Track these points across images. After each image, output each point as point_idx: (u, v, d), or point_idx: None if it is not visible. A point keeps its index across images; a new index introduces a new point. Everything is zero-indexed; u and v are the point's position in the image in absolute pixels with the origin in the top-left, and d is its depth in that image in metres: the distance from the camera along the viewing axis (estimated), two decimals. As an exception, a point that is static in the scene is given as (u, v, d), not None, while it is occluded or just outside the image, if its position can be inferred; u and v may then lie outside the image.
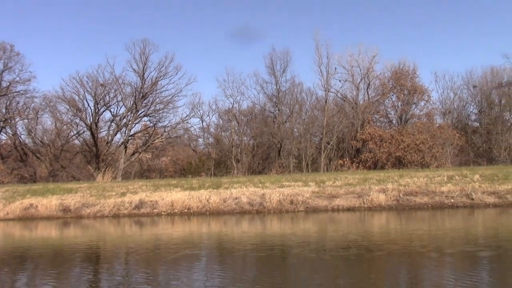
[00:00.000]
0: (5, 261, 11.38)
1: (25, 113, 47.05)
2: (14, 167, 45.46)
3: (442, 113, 48.60)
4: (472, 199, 21.90)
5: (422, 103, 45.03)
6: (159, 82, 46.26)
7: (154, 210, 23.16)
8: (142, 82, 45.76)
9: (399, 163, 38.79)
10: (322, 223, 18.46)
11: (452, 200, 22.08)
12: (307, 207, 22.64)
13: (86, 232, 18.93)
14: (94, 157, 44.81)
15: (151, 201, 23.62)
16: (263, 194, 23.54)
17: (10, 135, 47.74)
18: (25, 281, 8.70)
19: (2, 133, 47.89)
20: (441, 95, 50.29)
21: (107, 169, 37.78)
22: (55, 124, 47.94)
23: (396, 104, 45.21)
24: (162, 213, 22.93)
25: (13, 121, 46.86)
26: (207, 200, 23.19)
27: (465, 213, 19.72)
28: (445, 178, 24.41)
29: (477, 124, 49.36)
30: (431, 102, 45.70)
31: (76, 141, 49.91)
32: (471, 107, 49.94)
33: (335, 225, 17.55)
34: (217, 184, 25.55)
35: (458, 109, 49.94)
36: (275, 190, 23.94)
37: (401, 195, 22.77)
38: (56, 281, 8.51)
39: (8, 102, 46.77)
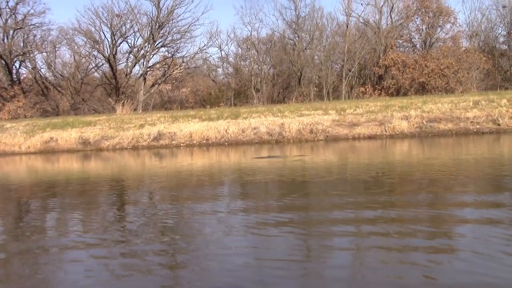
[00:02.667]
0: (32, 194, 11.44)
1: (43, 46, 46.78)
2: (36, 101, 45.76)
3: (469, 36, 46.54)
4: (499, 124, 21.26)
5: (448, 25, 43.18)
6: (175, 11, 45.22)
7: (173, 142, 23.15)
8: (158, 12, 44.75)
9: (423, 89, 37.81)
10: (342, 151, 18.17)
11: (478, 126, 21.47)
12: (327, 136, 22.33)
13: (107, 165, 19.02)
14: (114, 90, 44.79)
15: (169, 133, 23.60)
16: (282, 124, 23.24)
17: (30, 69, 47.84)
18: (54, 212, 8.72)
19: (22, 67, 48.06)
20: (468, 17, 48.30)
21: (126, 101, 37.74)
22: (74, 57, 47.71)
23: (420, 27, 43.44)
24: (181, 144, 22.91)
25: (31, 54, 46.71)
26: (226, 131, 23.05)
27: (490, 139, 19.15)
28: (471, 103, 23.64)
29: (505, 46, 47.17)
30: (458, 25, 43.77)
31: (96, 74, 49.92)
32: (500, 28, 47.59)
33: (355, 154, 17.25)
34: (236, 114, 25.28)
35: (485, 31, 47.65)
36: (294, 119, 23.60)
37: (424, 122, 22.23)
38: (85, 211, 8.50)
39: (25, 36, 46.50)
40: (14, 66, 46.02)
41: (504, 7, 45.97)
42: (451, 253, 4.89)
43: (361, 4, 43.72)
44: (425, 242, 5.29)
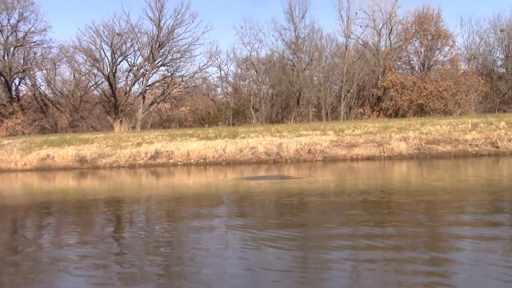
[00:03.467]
0: (27, 211, 11.27)
1: (43, 64, 46.90)
2: (35, 118, 45.68)
3: (467, 58, 46.82)
4: (498, 147, 21.16)
5: (446, 48, 43.38)
6: (176, 31, 45.48)
7: (170, 160, 22.99)
8: (158, 31, 45.00)
9: (421, 111, 37.84)
10: (341, 172, 18.04)
11: (476, 149, 21.38)
12: (325, 157, 22.21)
13: (104, 183, 18.85)
14: (113, 108, 44.78)
15: (166, 151, 23.46)
16: (280, 144, 23.13)
17: (30, 86, 47.87)
18: (50, 232, 8.55)
19: (21, 84, 48.10)
20: (466, 40, 48.34)
21: (124, 119, 37.69)
22: (74, 74, 47.85)
23: (419, 50, 43.66)
24: (178, 163, 22.75)
25: (31, 72, 46.78)
26: (223, 150, 22.91)
27: (489, 162, 19.05)
28: (469, 125, 23.59)
29: (503, 70, 47.45)
30: (456, 48, 43.98)
31: (95, 92, 49.99)
32: (498, 52, 47.94)
33: (353, 174, 17.12)
34: (234, 134, 25.18)
35: (483, 55, 48.00)
36: (292, 139, 23.50)
37: (422, 144, 22.13)
38: (81, 230, 8.35)
39: (26, 53, 46.63)
40: (13, 83, 46.10)
41: (502, 31, 46.35)
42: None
43: (360, 26, 43.99)
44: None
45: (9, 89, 44.72)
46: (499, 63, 48.14)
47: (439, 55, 43.50)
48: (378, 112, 39.63)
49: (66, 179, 20.27)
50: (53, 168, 23.56)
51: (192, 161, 22.82)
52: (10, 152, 25.37)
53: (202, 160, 22.77)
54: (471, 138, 22.12)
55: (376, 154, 22.05)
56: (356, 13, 43.12)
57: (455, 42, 43.49)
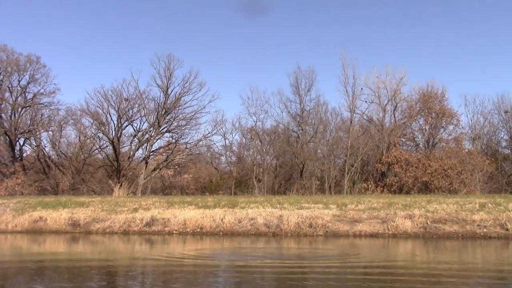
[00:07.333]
0: (13, 278, 10.52)
1: (49, 125, 47.06)
2: (36, 179, 45.25)
3: (471, 138, 46.64)
4: (507, 229, 20.22)
5: (451, 127, 43.29)
6: (182, 98, 45.86)
7: (166, 228, 22.16)
8: (165, 98, 45.43)
9: (426, 188, 37.13)
10: (343, 248, 17.18)
11: (485, 230, 20.46)
12: (326, 231, 21.34)
13: (95, 249, 18.05)
14: (115, 172, 44.38)
15: (163, 219, 22.65)
16: (281, 216, 22.35)
17: (34, 146, 47.80)
18: None
19: (26, 145, 48.09)
20: (471, 120, 48.33)
21: (123, 184, 37.11)
22: (79, 137, 47.82)
23: (423, 127, 43.59)
24: (174, 231, 21.91)
25: (37, 132, 46.86)
26: (221, 220, 22.10)
27: (498, 245, 18.14)
28: (477, 205, 22.79)
29: (508, 151, 47.19)
30: (460, 127, 43.87)
31: (99, 155, 49.71)
32: (502, 133, 47.76)
33: (355, 250, 16.28)
34: (233, 203, 24.46)
35: (488, 135, 47.89)
36: (293, 212, 22.73)
37: (428, 222, 21.26)
38: None
39: (33, 114, 46.93)
40: (18, 143, 46.11)
41: (506, 112, 46.43)
42: None
43: (365, 102, 44.33)
44: None
45: (13, 149, 44.69)
46: (504, 144, 47.90)
47: (443, 133, 43.40)
48: (382, 188, 38.95)
49: (57, 244, 19.44)
50: (44, 231, 22.70)
51: (188, 230, 21.97)
52: (2, 213, 24.62)
53: (198, 230, 21.92)
54: (479, 218, 21.25)
55: (380, 231, 21.17)
56: (362, 89, 43.63)
57: (459, 121, 43.54)
